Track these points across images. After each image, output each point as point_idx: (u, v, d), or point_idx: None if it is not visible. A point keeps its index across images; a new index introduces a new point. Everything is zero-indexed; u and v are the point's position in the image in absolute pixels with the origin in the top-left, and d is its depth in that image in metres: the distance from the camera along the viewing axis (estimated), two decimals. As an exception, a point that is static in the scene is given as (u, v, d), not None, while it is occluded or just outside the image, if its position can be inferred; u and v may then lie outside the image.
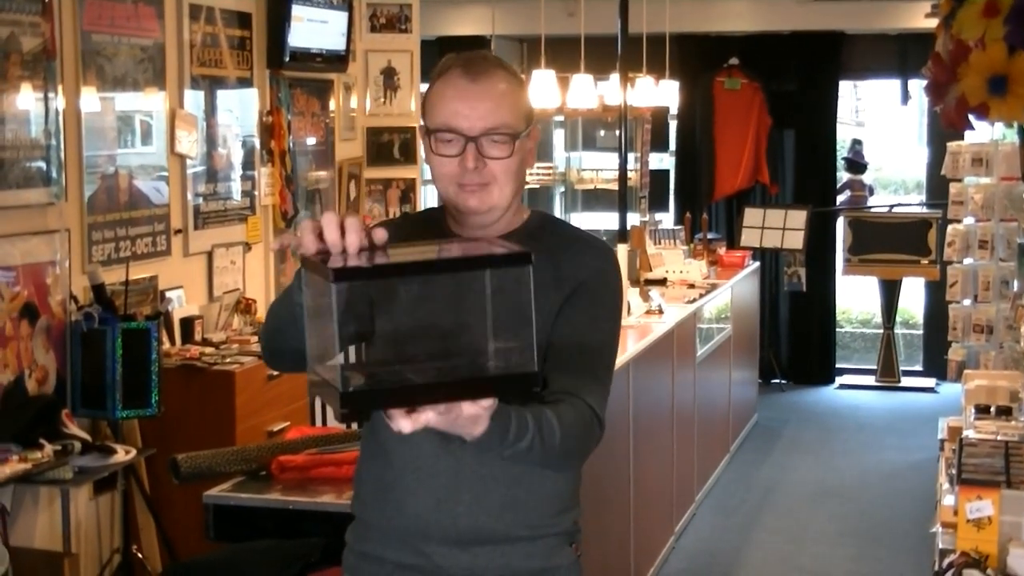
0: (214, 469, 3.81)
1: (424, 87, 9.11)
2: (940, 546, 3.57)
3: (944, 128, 3.67)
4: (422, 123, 2.40)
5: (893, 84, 11.08)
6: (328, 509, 3.59)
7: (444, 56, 2.43)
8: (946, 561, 3.28)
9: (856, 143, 12.84)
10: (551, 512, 2.41)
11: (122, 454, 4.90)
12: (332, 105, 7.54)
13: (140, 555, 5.24)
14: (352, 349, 2.00)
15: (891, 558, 6.44)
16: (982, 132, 8.79)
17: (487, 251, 2.04)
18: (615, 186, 8.59)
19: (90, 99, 5.34)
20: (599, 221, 10.59)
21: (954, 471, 3.72)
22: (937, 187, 10.10)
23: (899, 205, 11.55)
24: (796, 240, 10.02)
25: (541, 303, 2.36)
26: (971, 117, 3.42)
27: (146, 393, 5.04)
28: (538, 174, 10.31)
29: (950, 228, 9.19)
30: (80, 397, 5.06)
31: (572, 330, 2.35)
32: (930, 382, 10.46)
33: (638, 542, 5.79)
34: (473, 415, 1.96)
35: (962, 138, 9.13)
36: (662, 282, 7.75)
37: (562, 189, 10.88)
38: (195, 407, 5.42)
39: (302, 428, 4.31)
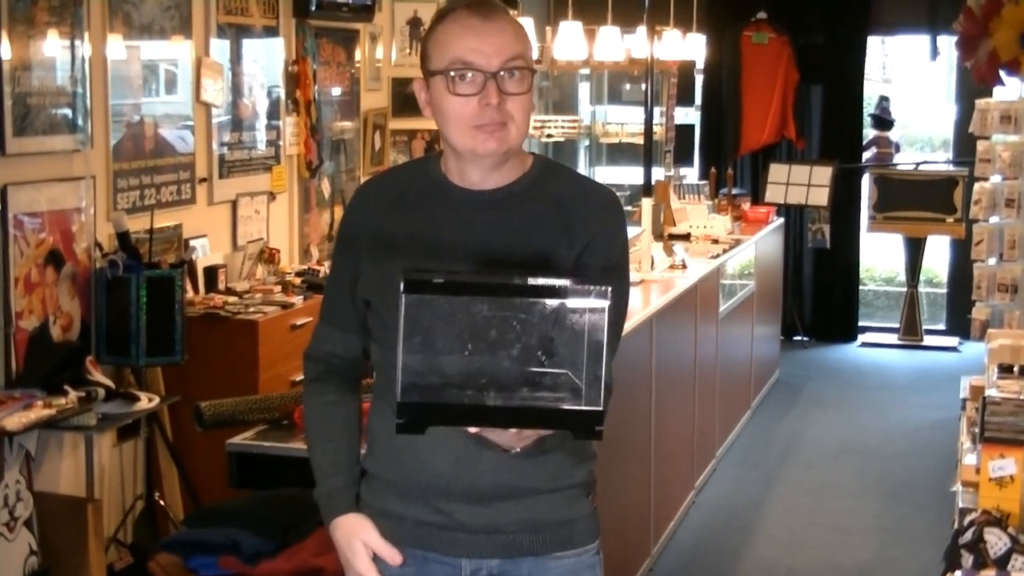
0: (237, 417, 3.83)
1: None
2: (960, 505, 3.57)
3: (975, 84, 3.64)
4: (424, 70, 2.37)
5: (922, 40, 10.98)
6: (350, 459, 3.60)
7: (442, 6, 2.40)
8: (967, 519, 3.28)
9: (883, 99, 12.74)
10: (571, 463, 2.40)
11: (145, 401, 4.93)
12: (358, 55, 7.53)
13: (162, 502, 5.28)
14: (417, 361, 1.99)
15: (911, 515, 6.44)
16: (1011, 89, 8.72)
17: (566, 281, 2.00)
18: (640, 140, 8.56)
19: (116, 46, 5.33)
20: (624, 175, 10.56)
21: (977, 429, 3.72)
22: (964, 145, 10.02)
23: (925, 162, 11.47)
24: (821, 196, 9.97)
25: (551, 257, 2.36)
26: (1002, 73, 3.39)
27: (170, 341, 5.06)
28: (563, 127, 10.28)
29: (977, 186, 9.11)
30: (104, 344, 5.09)
31: None
32: (953, 341, 10.43)
33: (658, 497, 5.80)
34: (521, 436, 2.08)
35: (991, 95, 9.05)
36: (686, 237, 7.73)
37: (587, 143, 10.84)
38: (218, 356, 5.44)
39: (325, 378, 4.31)
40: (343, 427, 2.52)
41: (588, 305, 1.96)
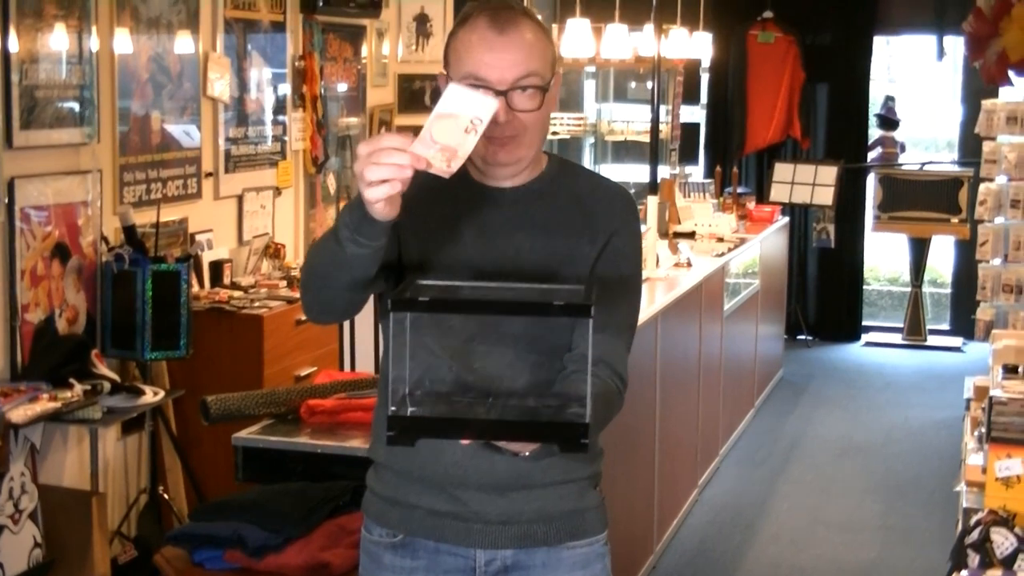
0: (243, 411, 3.83)
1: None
2: (965, 504, 3.57)
3: (984, 84, 3.64)
4: (444, 72, 2.37)
5: (928, 40, 10.98)
6: (356, 453, 3.61)
7: (468, 3, 2.39)
8: (974, 519, 3.28)
9: (889, 99, 12.74)
10: (583, 456, 2.41)
11: (150, 395, 4.93)
12: (364, 51, 7.53)
13: (166, 496, 5.28)
14: (407, 375, 2.02)
15: (916, 514, 6.44)
16: (1018, 90, 8.72)
17: (549, 299, 2.03)
18: (646, 138, 8.55)
19: (124, 40, 5.34)
20: (629, 173, 10.55)
21: (982, 430, 3.72)
22: (970, 145, 10.03)
23: (930, 163, 11.46)
24: (826, 196, 9.97)
25: (575, 253, 2.39)
26: (1011, 73, 3.39)
27: (175, 335, 5.06)
28: (568, 125, 10.27)
29: (982, 187, 9.12)
30: (110, 337, 5.09)
31: (606, 291, 2.35)
32: (956, 341, 10.43)
33: (662, 494, 5.80)
34: (520, 447, 2.13)
35: (997, 96, 9.05)
36: (691, 235, 7.72)
37: (592, 140, 10.83)
38: (223, 350, 5.44)
39: (331, 372, 4.32)
40: None
41: (572, 321, 1.99)
